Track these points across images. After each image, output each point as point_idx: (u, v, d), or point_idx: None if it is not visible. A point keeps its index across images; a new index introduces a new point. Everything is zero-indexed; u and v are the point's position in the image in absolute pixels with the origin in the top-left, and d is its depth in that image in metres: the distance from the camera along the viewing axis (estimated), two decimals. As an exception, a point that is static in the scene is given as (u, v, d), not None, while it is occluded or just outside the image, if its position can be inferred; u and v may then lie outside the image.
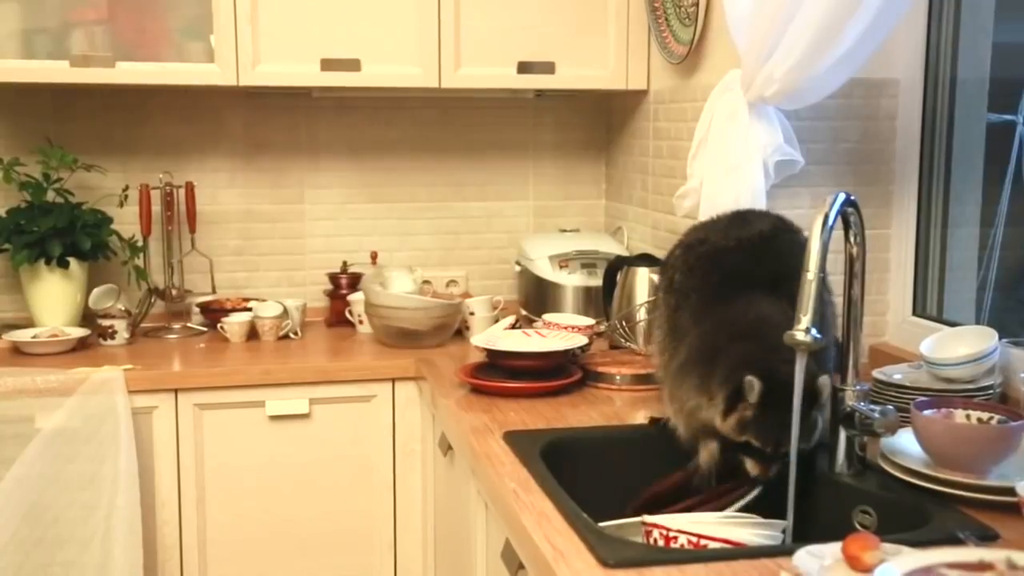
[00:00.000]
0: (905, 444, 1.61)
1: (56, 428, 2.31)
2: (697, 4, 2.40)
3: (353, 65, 2.65)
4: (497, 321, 2.63)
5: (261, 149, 2.99)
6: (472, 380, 2.17)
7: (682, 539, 1.38)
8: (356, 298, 2.81)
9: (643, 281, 2.46)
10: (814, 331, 1.40)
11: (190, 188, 2.86)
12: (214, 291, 2.92)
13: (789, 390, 1.46)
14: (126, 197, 2.80)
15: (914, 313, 2.27)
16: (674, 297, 1.77)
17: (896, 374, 1.94)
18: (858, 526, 1.56)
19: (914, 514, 1.46)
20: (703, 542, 1.37)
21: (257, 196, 2.99)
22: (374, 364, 2.53)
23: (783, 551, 1.30)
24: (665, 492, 1.68)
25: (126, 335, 2.68)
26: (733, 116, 2.11)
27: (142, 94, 2.86)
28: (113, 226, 2.78)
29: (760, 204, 2.06)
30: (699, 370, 1.62)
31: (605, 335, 2.52)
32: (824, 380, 1.54)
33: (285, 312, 2.75)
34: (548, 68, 2.74)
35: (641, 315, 2.40)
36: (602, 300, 2.59)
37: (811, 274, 1.42)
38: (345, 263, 2.99)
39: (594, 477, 1.79)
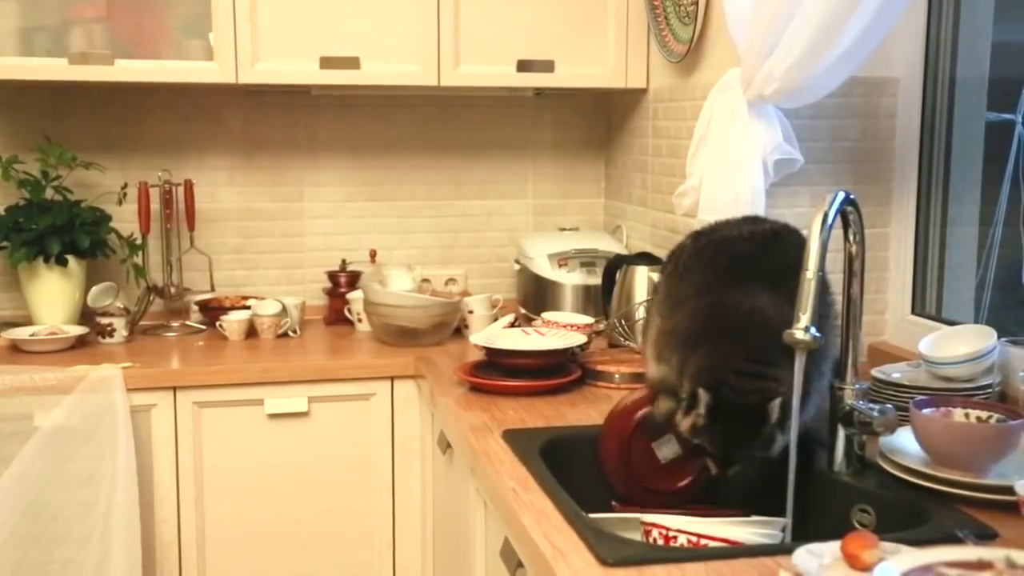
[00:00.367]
0: (904, 443, 1.61)
1: (55, 426, 2.31)
2: (696, 3, 2.40)
3: (352, 63, 2.65)
4: (496, 319, 2.63)
5: (260, 147, 2.98)
6: (471, 378, 2.17)
7: (681, 538, 1.38)
8: (355, 296, 2.81)
9: (642, 280, 2.46)
10: (813, 330, 1.40)
11: (189, 186, 2.86)
12: (213, 289, 2.91)
13: (736, 407, 1.50)
14: (125, 195, 2.80)
15: (913, 312, 2.27)
16: (679, 271, 1.78)
17: (895, 373, 1.94)
18: (857, 525, 1.56)
19: (913, 513, 1.46)
20: (702, 541, 1.38)
21: (256, 194, 2.99)
22: (373, 362, 2.53)
23: (782, 550, 1.30)
24: (673, 492, 1.70)
25: (125, 333, 2.67)
26: (732, 115, 2.11)
27: (141, 92, 2.85)
28: (112, 224, 2.77)
29: (760, 203, 2.06)
30: (680, 353, 1.63)
31: (604, 333, 2.52)
32: (774, 405, 1.50)
33: (284, 310, 2.75)
34: (547, 66, 2.74)
35: (640, 314, 2.40)
36: (601, 299, 2.59)
37: (811, 272, 1.42)
38: (344, 261, 2.99)
39: (593, 476, 1.79)
